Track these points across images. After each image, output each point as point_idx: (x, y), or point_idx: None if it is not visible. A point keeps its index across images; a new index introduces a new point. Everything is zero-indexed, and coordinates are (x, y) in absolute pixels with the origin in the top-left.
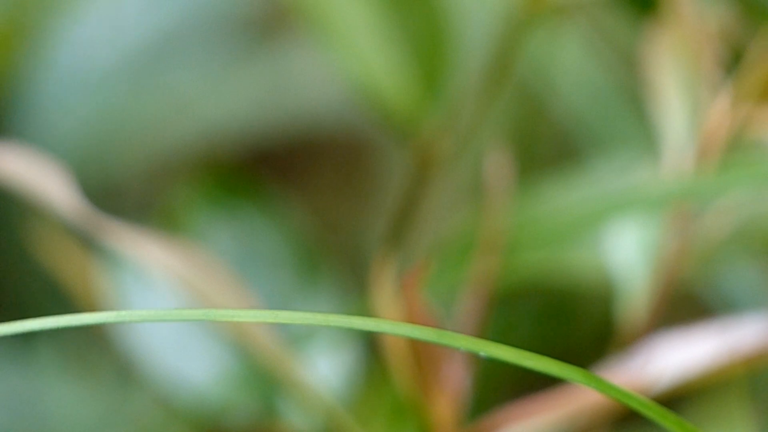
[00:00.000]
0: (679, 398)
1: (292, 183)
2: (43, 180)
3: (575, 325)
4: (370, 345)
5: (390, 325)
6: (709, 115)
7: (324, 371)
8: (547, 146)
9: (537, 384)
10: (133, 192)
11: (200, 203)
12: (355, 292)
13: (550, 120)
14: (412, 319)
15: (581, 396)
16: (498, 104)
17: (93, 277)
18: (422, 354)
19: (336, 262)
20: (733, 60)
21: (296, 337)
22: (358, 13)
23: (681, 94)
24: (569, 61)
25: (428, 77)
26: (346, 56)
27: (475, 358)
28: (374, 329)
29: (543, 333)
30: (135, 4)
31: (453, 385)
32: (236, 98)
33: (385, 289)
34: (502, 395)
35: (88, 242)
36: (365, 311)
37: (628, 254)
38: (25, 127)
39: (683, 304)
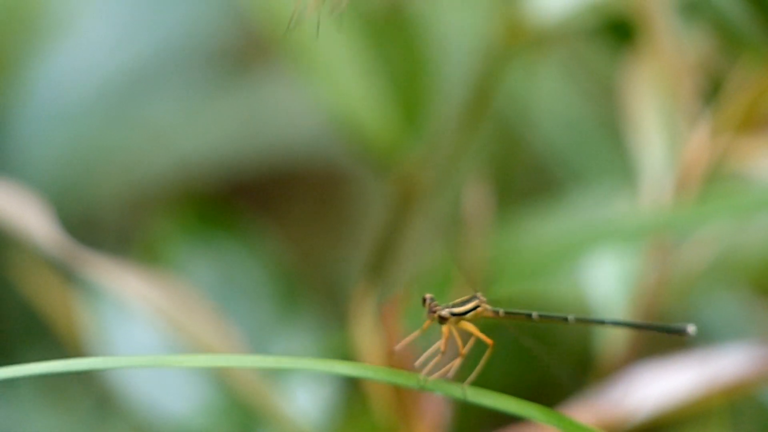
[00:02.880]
0: (659, 429)
1: (270, 214)
2: (23, 211)
3: (555, 356)
4: (349, 376)
5: (368, 369)
6: (688, 146)
7: (303, 403)
8: (526, 178)
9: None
10: (111, 223)
11: (178, 235)
12: (335, 322)
13: (529, 152)
14: (391, 350)
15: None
16: (477, 136)
17: (73, 309)
18: (401, 386)
19: (315, 293)
20: (712, 91)
21: (276, 369)
22: (338, 46)
23: (660, 125)
24: (548, 93)
25: (408, 109)
26: (326, 88)
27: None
28: (352, 373)
29: (522, 364)
30: (113, 36)
31: (432, 416)
32: (213, 129)
33: (364, 321)
34: (482, 425)
35: (67, 274)
36: (345, 342)
37: (607, 285)
38: (4, 159)
39: (662, 335)
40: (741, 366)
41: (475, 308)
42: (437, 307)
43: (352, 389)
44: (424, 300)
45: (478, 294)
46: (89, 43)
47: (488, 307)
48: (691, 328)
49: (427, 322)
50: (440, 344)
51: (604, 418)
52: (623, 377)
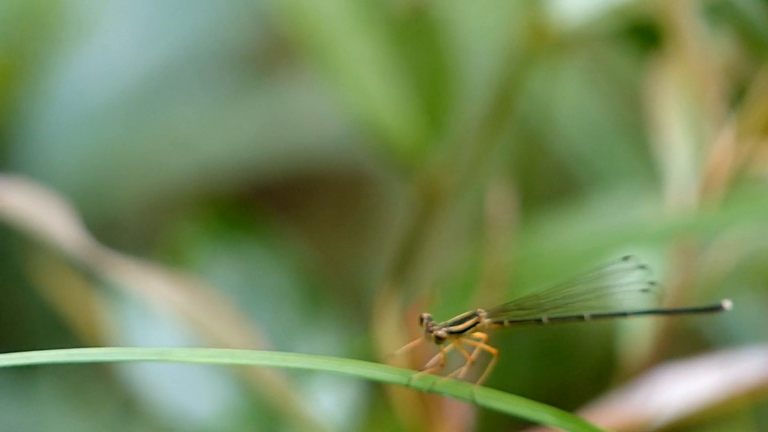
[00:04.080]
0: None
1: (293, 217)
2: (45, 214)
3: (577, 359)
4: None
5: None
6: (713, 150)
7: (327, 405)
8: (550, 181)
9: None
10: (134, 226)
11: (202, 238)
12: (358, 325)
13: (552, 155)
14: (414, 353)
15: None
16: (500, 139)
17: (95, 311)
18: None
19: (338, 296)
20: (737, 95)
21: (299, 371)
22: (362, 49)
23: (684, 129)
24: (571, 97)
25: (431, 113)
26: (349, 91)
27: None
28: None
29: (545, 367)
30: (134, 40)
31: (456, 419)
32: (236, 132)
33: (387, 324)
34: (506, 428)
35: (90, 276)
36: (367, 346)
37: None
38: (27, 162)
39: (685, 338)
40: (764, 369)
41: (474, 325)
42: (434, 327)
43: (376, 392)
44: (421, 319)
45: (479, 310)
46: (112, 47)
47: (488, 321)
48: (726, 304)
49: (422, 339)
50: (440, 359)
51: (627, 421)
52: (646, 380)
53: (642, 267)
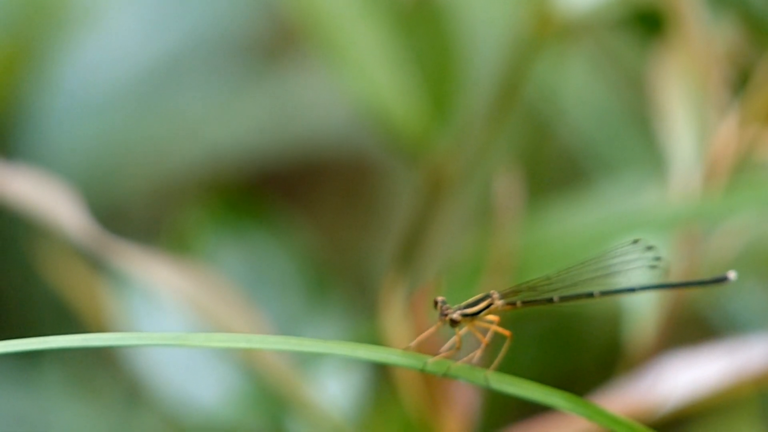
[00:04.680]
0: (688, 418)
1: (299, 204)
2: (51, 201)
3: (583, 346)
4: (379, 365)
5: (391, 354)
6: (717, 137)
7: (333, 391)
8: (556, 168)
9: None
10: (140, 213)
11: (208, 225)
12: (364, 312)
13: (558, 142)
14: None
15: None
16: (506, 127)
17: (101, 298)
18: (431, 375)
19: (344, 283)
20: (740, 82)
21: (305, 358)
22: (368, 37)
23: (688, 116)
24: (577, 84)
25: (438, 100)
26: (356, 79)
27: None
28: (375, 358)
29: (551, 354)
30: (141, 27)
31: (462, 405)
32: (242, 120)
33: (393, 310)
34: (512, 414)
35: (96, 263)
36: (374, 332)
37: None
38: (33, 149)
39: (691, 325)
40: None
41: (488, 306)
42: (449, 310)
43: (382, 379)
44: (436, 303)
45: (492, 292)
46: (119, 35)
47: (501, 302)
48: (731, 274)
49: (439, 324)
50: (456, 342)
51: (633, 408)
52: (652, 367)
53: (650, 248)
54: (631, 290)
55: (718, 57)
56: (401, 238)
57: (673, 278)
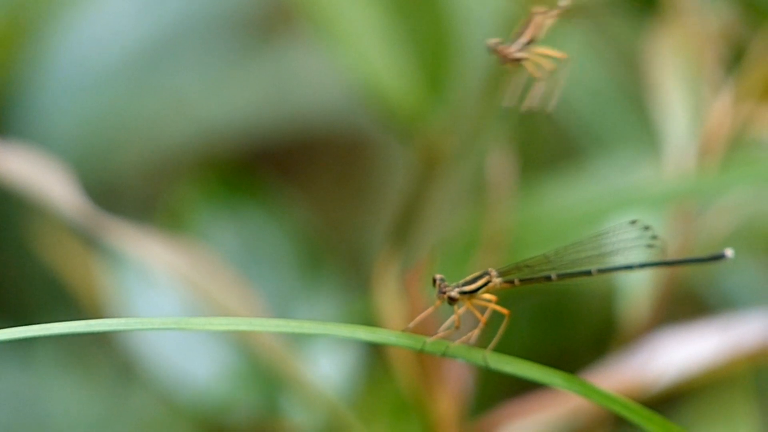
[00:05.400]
0: (682, 395)
1: (294, 181)
2: (45, 179)
3: (577, 323)
4: (373, 343)
5: (391, 335)
6: (711, 114)
7: (326, 369)
8: (550, 146)
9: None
10: (134, 191)
11: (202, 202)
12: (358, 289)
13: (553, 119)
14: (414, 316)
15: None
16: (501, 104)
17: (95, 276)
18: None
19: (338, 260)
20: (735, 59)
21: (299, 336)
22: (363, 14)
23: (683, 93)
24: (571, 62)
25: (432, 76)
26: (350, 56)
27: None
28: (376, 339)
29: (545, 331)
30: (136, 4)
31: (455, 383)
32: (237, 97)
33: (387, 287)
34: (505, 392)
35: (90, 241)
36: (368, 310)
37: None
38: (27, 127)
39: (685, 302)
40: (764, 332)
41: (486, 284)
42: (447, 288)
43: (375, 357)
44: (434, 281)
45: (490, 269)
46: (113, 11)
47: (499, 280)
48: (729, 252)
49: (437, 302)
50: (454, 321)
51: (627, 385)
52: (645, 344)
53: (647, 228)
54: (629, 267)
55: (713, 34)
56: (395, 215)
57: (669, 256)
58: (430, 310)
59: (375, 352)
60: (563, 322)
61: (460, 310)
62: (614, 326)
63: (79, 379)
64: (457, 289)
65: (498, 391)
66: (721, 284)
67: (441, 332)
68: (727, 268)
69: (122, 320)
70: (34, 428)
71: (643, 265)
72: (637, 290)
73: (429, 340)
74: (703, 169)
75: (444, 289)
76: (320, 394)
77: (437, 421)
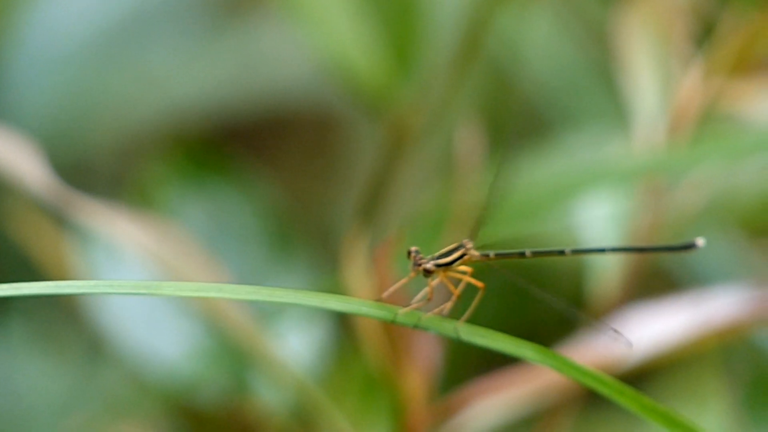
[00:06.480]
0: (653, 371)
1: (263, 158)
2: (15, 156)
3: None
4: (341, 320)
5: (363, 305)
6: (681, 89)
7: (295, 346)
8: (519, 121)
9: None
10: (104, 168)
11: (171, 179)
12: (327, 266)
13: (522, 95)
14: (382, 292)
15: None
16: (469, 80)
17: (65, 253)
18: (393, 329)
19: (307, 236)
20: (704, 34)
21: (267, 313)
22: None
23: (652, 68)
24: (540, 36)
25: (400, 52)
26: (317, 32)
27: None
28: (347, 310)
29: (514, 306)
30: None
31: (424, 360)
32: (206, 75)
33: (356, 263)
34: (474, 369)
35: (59, 218)
36: (337, 285)
37: (599, 228)
38: None
39: (655, 278)
40: (734, 308)
41: (461, 257)
42: (422, 260)
43: (344, 334)
44: (409, 253)
45: (465, 241)
46: None
47: (475, 253)
48: (700, 241)
49: (412, 274)
50: (428, 293)
51: (597, 361)
52: (615, 320)
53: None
54: (601, 251)
55: (682, 9)
56: (364, 191)
57: (639, 232)
58: (403, 281)
59: (344, 330)
60: (532, 298)
61: (434, 282)
62: (584, 302)
63: (49, 357)
64: (432, 262)
65: (467, 369)
66: (691, 260)
67: (414, 304)
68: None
69: (91, 283)
70: (2, 405)
71: (614, 249)
72: (608, 266)
73: (401, 311)
74: (673, 144)
75: (419, 261)
76: (289, 371)
77: (406, 398)
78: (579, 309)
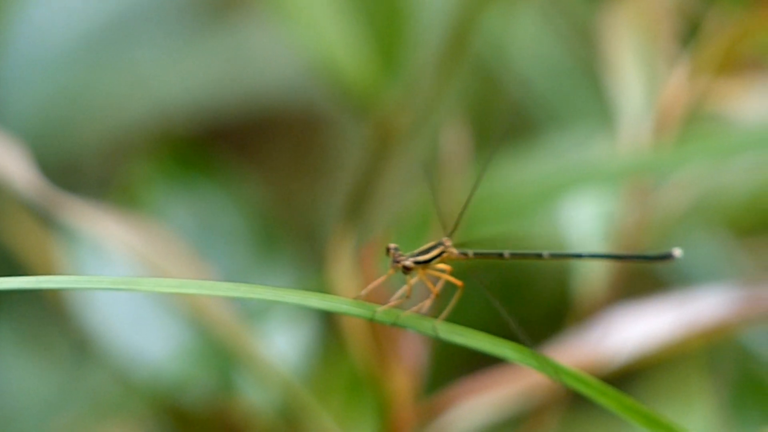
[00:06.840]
0: (639, 371)
1: (249, 158)
2: (1, 156)
3: (531, 298)
4: (327, 319)
5: (341, 303)
6: (667, 89)
7: (281, 346)
8: (505, 121)
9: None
10: (91, 168)
11: (157, 179)
12: (313, 265)
13: (508, 95)
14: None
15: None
16: (455, 79)
17: (51, 253)
18: (379, 328)
19: (293, 236)
20: (690, 33)
21: (253, 312)
22: None
23: (638, 68)
24: (526, 36)
25: (386, 52)
26: (304, 32)
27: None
28: (327, 307)
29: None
30: None
31: (410, 360)
32: (193, 75)
33: (342, 263)
34: (460, 369)
35: (46, 218)
36: (322, 285)
37: (585, 228)
38: None
39: (641, 277)
40: (720, 308)
41: (440, 254)
42: (401, 257)
43: (330, 333)
44: (388, 250)
45: (444, 239)
46: None
47: (455, 251)
48: (677, 252)
49: (391, 271)
50: (406, 291)
51: (582, 362)
52: (601, 320)
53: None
54: (579, 256)
55: (668, 8)
56: (350, 191)
57: (624, 233)
58: (382, 278)
59: (329, 328)
60: (518, 297)
61: (413, 280)
62: (569, 301)
63: (35, 357)
64: (411, 259)
65: (453, 369)
66: (678, 260)
67: (393, 301)
68: (683, 244)
69: (71, 278)
70: None
71: (592, 256)
72: (594, 266)
73: (380, 308)
74: (659, 144)
75: (398, 259)
76: (275, 371)
77: (392, 397)
78: (564, 308)
